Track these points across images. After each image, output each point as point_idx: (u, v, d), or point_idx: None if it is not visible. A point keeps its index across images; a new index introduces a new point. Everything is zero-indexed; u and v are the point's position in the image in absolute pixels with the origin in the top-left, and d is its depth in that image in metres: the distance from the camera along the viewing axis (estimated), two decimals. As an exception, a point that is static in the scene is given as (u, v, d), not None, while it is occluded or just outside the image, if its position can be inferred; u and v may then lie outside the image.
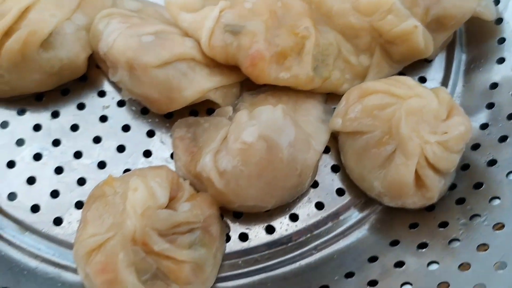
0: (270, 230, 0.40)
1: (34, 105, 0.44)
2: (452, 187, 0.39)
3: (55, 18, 0.41)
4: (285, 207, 0.41)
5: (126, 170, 0.42)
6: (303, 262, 0.39)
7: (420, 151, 0.36)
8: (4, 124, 0.43)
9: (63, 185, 0.41)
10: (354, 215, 0.41)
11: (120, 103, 0.44)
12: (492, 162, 0.38)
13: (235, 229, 0.40)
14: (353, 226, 0.40)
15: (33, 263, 0.39)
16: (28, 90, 0.43)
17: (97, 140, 0.43)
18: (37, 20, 0.40)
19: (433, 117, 0.37)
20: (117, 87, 0.44)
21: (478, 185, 0.38)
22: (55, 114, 0.44)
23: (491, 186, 0.37)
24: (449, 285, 0.32)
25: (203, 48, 0.41)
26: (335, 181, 0.42)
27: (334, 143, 0.42)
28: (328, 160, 0.43)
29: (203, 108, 0.44)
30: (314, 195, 0.41)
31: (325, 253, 0.39)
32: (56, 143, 0.43)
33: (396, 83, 0.39)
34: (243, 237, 0.40)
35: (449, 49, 0.46)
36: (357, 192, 0.41)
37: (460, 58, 0.46)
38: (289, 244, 0.40)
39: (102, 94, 0.44)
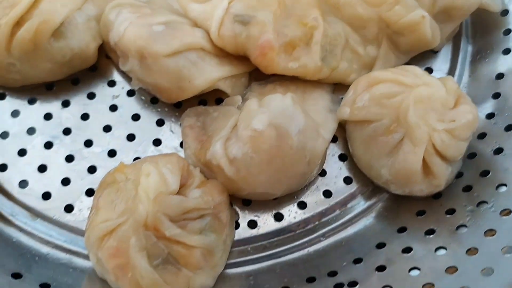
0: (278, 217, 0.41)
1: (44, 94, 0.44)
2: (459, 175, 0.39)
3: (66, 8, 0.41)
4: (293, 195, 0.41)
5: (136, 158, 0.42)
6: (311, 248, 0.40)
7: (428, 139, 0.36)
8: (15, 113, 0.44)
9: (74, 173, 0.42)
10: (362, 203, 0.41)
11: (130, 93, 0.45)
12: (499, 151, 0.39)
13: (244, 217, 0.41)
14: (360, 213, 0.41)
15: (44, 249, 0.39)
16: (39, 79, 0.43)
17: (107, 129, 0.43)
18: (48, 10, 0.40)
19: (440, 105, 0.37)
20: (127, 77, 0.45)
21: (484, 173, 0.38)
22: (65, 104, 0.44)
23: (497, 173, 0.37)
24: (457, 269, 0.33)
25: (213, 38, 0.42)
26: (343, 170, 0.42)
27: (341, 133, 0.43)
28: (336, 149, 0.43)
29: (212, 98, 0.44)
30: (322, 183, 0.42)
31: (333, 240, 0.40)
32: (66, 131, 0.43)
33: (404, 72, 0.39)
34: (252, 224, 0.41)
35: (455, 40, 0.47)
36: (364, 181, 0.42)
37: (466, 49, 0.47)
38: (297, 231, 0.40)
39: (112, 84, 0.45)
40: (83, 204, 0.41)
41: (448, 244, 0.35)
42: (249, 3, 0.42)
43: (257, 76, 0.44)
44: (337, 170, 0.42)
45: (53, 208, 0.41)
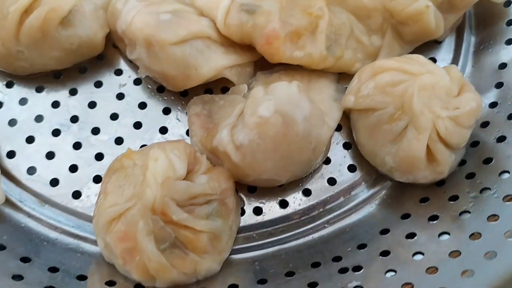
0: (283, 204, 0.41)
1: (52, 82, 0.45)
2: (462, 163, 0.40)
3: (74, -4, 0.42)
4: (298, 183, 0.42)
5: (143, 146, 0.43)
6: (316, 235, 0.40)
7: (432, 126, 0.37)
8: (23, 101, 0.44)
9: (81, 160, 0.42)
10: (365, 191, 0.42)
11: (137, 81, 0.45)
12: (501, 139, 0.39)
13: (250, 203, 0.41)
14: (364, 201, 0.41)
15: (53, 234, 0.40)
16: (47, 68, 0.44)
17: (114, 117, 0.44)
18: (56, -2, 0.41)
19: (445, 93, 0.38)
20: (133, 66, 0.45)
21: (487, 160, 0.39)
22: (73, 92, 0.44)
23: (500, 161, 0.38)
24: (460, 253, 0.33)
25: (219, 26, 0.42)
26: (347, 158, 0.43)
27: (346, 121, 0.43)
28: (340, 138, 0.44)
29: (218, 87, 0.45)
30: (327, 171, 0.42)
31: (337, 226, 0.40)
32: (74, 119, 0.44)
33: (408, 60, 0.40)
34: (257, 211, 0.41)
35: (459, 31, 0.47)
36: (368, 169, 0.42)
37: (470, 40, 0.47)
38: (302, 218, 0.41)
39: (119, 72, 0.45)
40: (91, 191, 0.41)
41: (451, 229, 0.35)
42: (255, -8, 0.42)
43: (262, 65, 0.44)
44: (341, 158, 0.43)
45: (61, 194, 0.41)
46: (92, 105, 0.44)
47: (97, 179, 0.42)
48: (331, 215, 0.41)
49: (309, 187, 0.42)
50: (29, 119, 0.43)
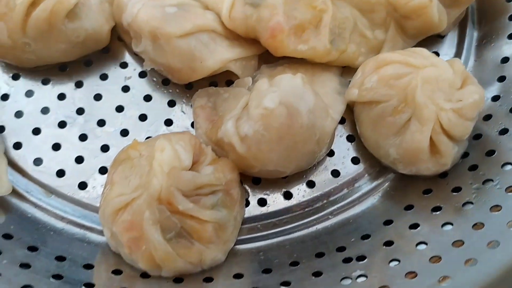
0: (287, 196, 0.42)
1: (58, 75, 0.45)
2: (465, 155, 0.40)
3: (80, -11, 0.42)
4: (302, 174, 0.42)
5: (148, 138, 0.43)
6: (320, 226, 0.41)
7: (435, 118, 0.37)
8: (29, 93, 0.44)
9: (87, 152, 0.43)
10: (369, 183, 0.42)
11: (142, 74, 0.45)
12: (504, 131, 0.40)
13: (254, 195, 0.42)
14: (367, 193, 0.42)
15: (59, 224, 0.40)
16: (53, 60, 0.44)
17: (119, 109, 0.44)
18: (63, -9, 0.41)
19: (448, 85, 0.38)
20: (138, 59, 0.45)
21: (490, 153, 0.39)
22: (78, 84, 0.45)
23: (503, 153, 0.38)
24: (463, 243, 0.34)
25: (224, 20, 0.43)
26: (350, 151, 0.43)
27: (349, 115, 0.44)
28: (344, 131, 0.44)
29: (223, 80, 0.45)
30: (330, 163, 0.43)
31: (341, 217, 0.41)
32: (80, 111, 0.44)
33: (412, 54, 0.40)
34: (262, 202, 0.42)
35: (461, 26, 0.48)
36: (371, 161, 0.43)
37: (472, 34, 0.48)
38: (306, 210, 0.41)
39: (124, 65, 0.46)
40: (97, 182, 0.42)
41: (455, 219, 0.36)
42: (259, -14, 0.42)
43: (266, 59, 0.45)
44: (345, 150, 0.43)
45: (67, 185, 0.42)
46: (97, 97, 0.44)
47: (103, 170, 0.42)
48: (335, 207, 0.41)
49: (313, 179, 0.42)
50: (35, 111, 0.44)
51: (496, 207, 0.35)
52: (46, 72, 0.45)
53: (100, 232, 0.40)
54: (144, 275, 0.37)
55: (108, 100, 0.44)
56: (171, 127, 0.44)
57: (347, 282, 0.34)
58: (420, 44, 0.45)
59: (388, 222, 0.39)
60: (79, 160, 0.42)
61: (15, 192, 0.41)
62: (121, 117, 0.44)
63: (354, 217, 0.41)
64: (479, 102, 0.38)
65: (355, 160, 0.43)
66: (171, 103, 0.45)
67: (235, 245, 0.39)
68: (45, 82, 0.45)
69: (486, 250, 0.32)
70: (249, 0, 0.42)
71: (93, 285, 0.35)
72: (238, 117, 0.39)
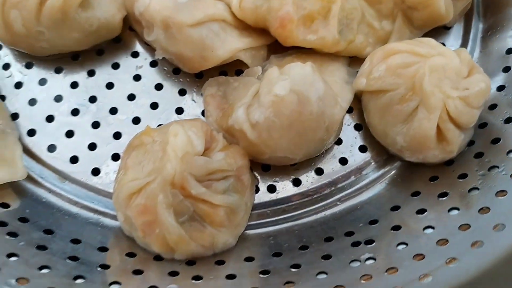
0: (296, 183, 0.43)
1: (70, 64, 0.46)
2: (471, 143, 0.41)
3: (93, -21, 0.43)
4: (310, 162, 0.43)
5: (160, 125, 0.44)
6: (328, 212, 0.41)
7: (442, 106, 0.38)
8: (43, 81, 0.45)
9: (100, 139, 0.44)
10: (376, 170, 0.43)
11: (153, 64, 0.46)
12: (509, 120, 0.40)
13: (264, 181, 0.43)
14: (375, 180, 0.43)
15: (73, 209, 0.41)
16: (66, 49, 0.45)
17: (131, 97, 0.45)
18: (76, -20, 0.42)
19: (455, 74, 0.39)
20: (149, 48, 0.46)
21: (495, 141, 0.40)
22: (91, 73, 0.46)
23: (508, 140, 0.39)
24: (470, 226, 0.34)
25: (234, 10, 0.44)
26: (358, 139, 0.44)
27: (357, 104, 0.44)
28: (351, 120, 0.45)
29: (232, 69, 0.46)
30: (338, 151, 0.44)
31: (349, 204, 0.42)
32: (92, 99, 0.45)
33: (419, 43, 0.41)
34: (271, 189, 0.42)
35: (467, 17, 0.49)
36: (378, 149, 0.44)
37: (478, 26, 0.48)
38: (315, 196, 0.42)
39: (135, 54, 0.46)
40: (109, 168, 0.43)
41: (461, 205, 0.37)
42: (270, -24, 0.43)
43: (275, 49, 0.45)
44: (352, 139, 0.44)
45: (81, 171, 0.43)
46: (109, 86, 0.45)
47: (115, 157, 0.43)
48: (343, 193, 0.42)
49: (321, 167, 0.43)
50: (48, 99, 0.45)
51: (501, 192, 0.36)
52: (59, 61, 0.46)
53: (113, 217, 0.41)
54: (158, 258, 0.37)
55: (120, 89, 0.45)
56: (182, 115, 0.45)
57: (356, 264, 0.35)
58: (427, 35, 0.46)
59: (395, 208, 0.40)
60: (92, 147, 0.43)
61: (30, 178, 0.41)
62: (133, 105, 0.45)
63: (362, 203, 0.41)
64: (485, 90, 0.38)
65: (362, 149, 0.44)
66: (182, 92, 0.45)
67: (245, 230, 0.40)
68: (58, 70, 0.46)
69: (492, 233, 0.33)
70: (259, -10, 0.43)
71: (108, 266, 0.36)
72: (248, 105, 0.40)
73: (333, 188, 0.42)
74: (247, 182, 0.40)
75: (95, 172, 0.42)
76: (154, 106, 0.45)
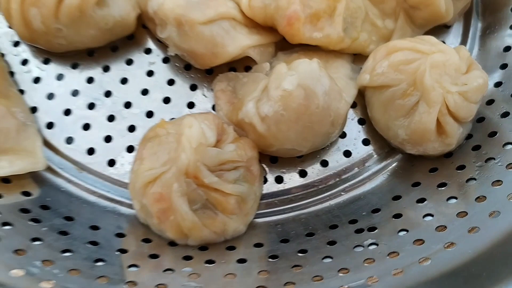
0: (303, 174, 0.45)
1: (86, 60, 0.48)
2: (469, 137, 0.43)
3: (109, -22, 0.45)
4: (316, 154, 0.45)
5: (172, 119, 0.46)
6: (333, 201, 0.44)
7: (442, 100, 0.40)
8: (60, 77, 0.47)
9: (115, 131, 0.46)
10: (378, 163, 0.45)
11: (165, 60, 0.48)
12: (505, 114, 0.43)
13: (272, 173, 0.45)
14: (377, 172, 0.45)
15: (91, 198, 0.43)
16: (82, 45, 0.47)
17: (144, 92, 0.47)
18: (93, -20, 0.44)
19: (454, 70, 0.41)
20: (162, 45, 0.48)
21: (492, 134, 0.42)
22: (106, 69, 0.48)
23: (504, 134, 0.41)
24: (467, 214, 0.37)
25: (244, 9, 0.45)
26: (361, 133, 0.46)
27: (360, 100, 0.47)
28: (355, 114, 0.47)
29: (241, 66, 0.48)
30: (343, 144, 0.46)
31: (353, 194, 0.44)
32: (107, 94, 0.47)
33: (420, 41, 0.43)
34: (279, 179, 0.45)
35: (466, 17, 0.51)
36: (381, 143, 0.46)
37: (477, 25, 0.50)
38: (320, 187, 0.44)
39: (148, 51, 0.49)
40: (124, 159, 0.45)
41: (459, 194, 0.39)
42: (278, -24, 0.45)
43: (283, 46, 0.47)
44: (356, 132, 0.46)
45: (97, 162, 0.45)
46: (124, 81, 0.47)
47: (130, 148, 0.45)
48: (347, 184, 0.44)
49: (327, 159, 0.45)
50: (66, 93, 0.47)
51: (497, 182, 0.38)
52: (75, 57, 0.48)
53: (129, 206, 0.43)
54: (172, 243, 0.40)
55: (133, 84, 0.47)
56: (193, 110, 0.47)
57: (359, 249, 0.37)
58: (428, 33, 0.48)
59: (396, 198, 0.42)
60: (108, 139, 0.45)
61: (49, 168, 0.44)
62: (146, 99, 0.47)
63: (365, 193, 0.44)
64: (483, 86, 0.40)
65: (365, 142, 0.46)
66: (193, 87, 0.47)
67: (254, 218, 0.42)
68: (74, 66, 0.48)
69: (488, 220, 0.35)
70: (267, -11, 0.45)
71: (126, 250, 0.38)
72: (258, 99, 0.42)
73: (337, 179, 0.45)
74: (256, 172, 0.42)
75: (111, 163, 0.45)
76: (166, 100, 0.47)
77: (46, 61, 0.48)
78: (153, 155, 0.40)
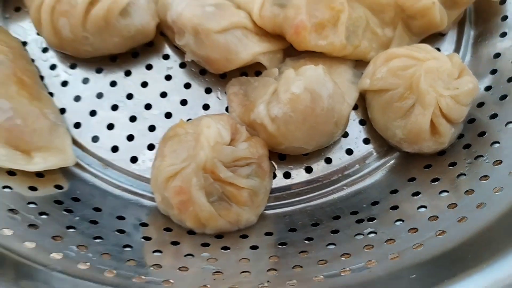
0: (308, 170, 0.49)
1: (109, 65, 0.52)
2: (460, 136, 0.47)
3: (131, -9, 0.49)
4: (321, 152, 0.49)
5: (189, 120, 0.50)
6: (336, 195, 0.48)
7: (435, 103, 0.44)
8: (85, 80, 0.51)
9: (136, 131, 0.50)
10: (378, 160, 0.49)
11: (182, 65, 0.52)
12: (494, 116, 0.46)
13: (280, 169, 0.49)
14: (376, 168, 0.49)
15: (116, 191, 0.47)
16: (107, 51, 0.51)
17: (163, 95, 0.51)
18: (117, -8, 0.48)
19: (447, 76, 0.45)
20: (178, 52, 0.52)
21: (481, 134, 0.46)
22: (127, 73, 0.52)
23: (492, 134, 0.45)
24: (456, 205, 0.40)
25: (254, 18, 0.49)
26: (362, 133, 0.50)
27: (361, 102, 0.51)
28: (356, 116, 0.51)
29: (252, 71, 0.52)
30: (345, 143, 0.50)
31: (354, 188, 0.48)
32: (129, 96, 0.51)
33: (416, 48, 0.47)
34: (287, 175, 0.49)
35: (460, 25, 0.54)
36: (380, 142, 0.50)
37: (469, 33, 0.54)
38: (324, 182, 0.49)
39: (166, 57, 0.53)
40: (146, 157, 0.49)
41: (450, 188, 0.43)
42: (286, -11, 0.49)
43: (290, 53, 0.51)
44: (357, 132, 0.50)
45: (121, 159, 0.49)
46: (144, 84, 0.51)
47: (150, 146, 0.49)
48: (349, 179, 0.49)
49: (330, 156, 0.49)
50: (91, 96, 0.51)
51: (484, 177, 0.42)
52: (99, 62, 0.52)
53: (150, 198, 0.47)
54: (191, 232, 0.44)
55: (153, 87, 0.51)
56: (208, 111, 0.51)
57: (360, 237, 0.41)
58: (424, 41, 0.52)
59: (394, 192, 0.46)
60: (130, 138, 0.49)
61: (77, 164, 0.48)
62: (165, 102, 0.51)
63: (365, 188, 0.48)
64: (473, 90, 0.44)
65: (366, 141, 0.50)
66: (208, 90, 0.51)
67: (264, 210, 0.46)
68: (98, 71, 0.52)
69: (476, 210, 0.39)
70: (276, 1, 0.49)
71: (150, 238, 0.43)
72: (268, 101, 0.46)
73: (340, 175, 0.49)
74: (266, 168, 0.46)
75: (133, 160, 0.49)
76: (183, 102, 0.51)
77: (72, 66, 0.52)
78: (173, 153, 0.44)
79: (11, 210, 0.40)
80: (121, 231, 0.42)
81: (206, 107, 0.51)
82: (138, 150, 0.49)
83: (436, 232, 0.38)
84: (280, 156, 0.49)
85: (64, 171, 0.47)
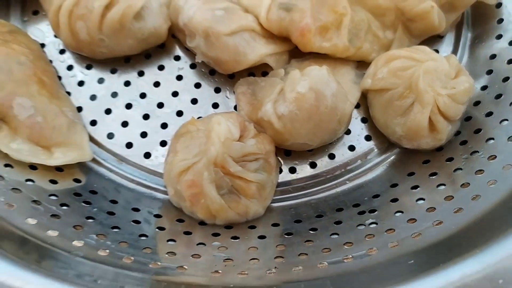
0: (313, 165, 0.51)
1: (123, 66, 0.55)
2: (457, 133, 0.49)
3: (145, -4, 0.52)
4: (324, 148, 0.52)
5: (199, 117, 0.52)
6: (339, 189, 0.50)
7: (433, 101, 0.46)
8: (101, 80, 0.54)
9: (149, 128, 0.52)
10: (378, 156, 0.52)
11: (192, 66, 0.55)
12: (489, 114, 0.49)
13: (286, 164, 0.51)
14: (377, 163, 0.51)
15: (130, 185, 0.50)
16: (121, 53, 0.53)
17: (175, 94, 0.54)
18: (131, -3, 0.51)
19: (444, 76, 0.47)
20: (189, 53, 0.55)
21: (477, 131, 0.48)
22: (140, 73, 0.54)
23: (487, 131, 0.47)
24: (453, 197, 0.43)
25: (261, 21, 0.52)
26: (364, 130, 0.53)
27: (363, 101, 0.53)
28: (358, 114, 0.53)
29: (259, 71, 0.55)
30: (347, 140, 0.52)
31: (356, 182, 0.50)
32: (142, 95, 0.53)
33: (415, 50, 0.49)
34: (292, 170, 0.51)
35: (458, 28, 0.57)
36: (381, 139, 0.52)
37: (467, 35, 0.56)
38: (328, 176, 0.51)
39: (177, 58, 0.55)
40: (158, 152, 0.51)
41: (447, 181, 0.45)
42: (291, -7, 0.52)
43: (295, 54, 0.54)
44: (359, 129, 0.53)
45: (135, 155, 0.51)
46: (156, 84, 0.54)
47: (163, 143, 0.52)
48: (351, 174, 0.51)
49: (334, 152, 0.52)
50: (106, 95, 0.53)
51: (480, 171, 0.44)
52: (114, 63, 0.55)
53: (163, 192, 0.49)
54: (202, 223, 0.46)
55: (165, 87, 0.54)
56: (217, 109, 0.53)
57: (362, 227, 0.44)
58: (423, 43, 0.54)
59: (394, 185, 0.48)
60: (143, 135, 0.52)
61: (94, 160, 0.50)
62: (176, 100, 0.53)
63: (367, 182, 0.50)
64: (468, 89, 0.47)
65: (367, 138, 0.53)
66: (217, 90, 0.54)
67: (271, 203, 0.49)
68: (113, 71, 0.54)
69: (471, 202, 0.41)
70: (282, 5, 0.52)
71: (164, 228, 0.45)
72: (275, 100, 0.48)
73: (343, 170, 0.51)
74: (273, 163, 0.48)
75: (147, 155, 0.51)
76: (194, 101, 0.53)
77: (88, 67, 0.54)
78: (185, 148, 0.47)
79: (35, 201, 0.43)
80: (137, 222, 0.45)
81: (215, 105, 0.53)
82: (151, 146, 0.52)
83: (434, 222, 0.41)
84: (286, 152, 0.52)
85: (82, 166, 0.50)
